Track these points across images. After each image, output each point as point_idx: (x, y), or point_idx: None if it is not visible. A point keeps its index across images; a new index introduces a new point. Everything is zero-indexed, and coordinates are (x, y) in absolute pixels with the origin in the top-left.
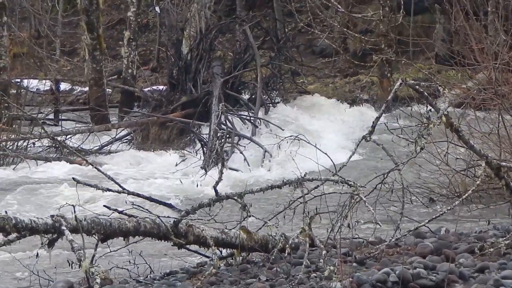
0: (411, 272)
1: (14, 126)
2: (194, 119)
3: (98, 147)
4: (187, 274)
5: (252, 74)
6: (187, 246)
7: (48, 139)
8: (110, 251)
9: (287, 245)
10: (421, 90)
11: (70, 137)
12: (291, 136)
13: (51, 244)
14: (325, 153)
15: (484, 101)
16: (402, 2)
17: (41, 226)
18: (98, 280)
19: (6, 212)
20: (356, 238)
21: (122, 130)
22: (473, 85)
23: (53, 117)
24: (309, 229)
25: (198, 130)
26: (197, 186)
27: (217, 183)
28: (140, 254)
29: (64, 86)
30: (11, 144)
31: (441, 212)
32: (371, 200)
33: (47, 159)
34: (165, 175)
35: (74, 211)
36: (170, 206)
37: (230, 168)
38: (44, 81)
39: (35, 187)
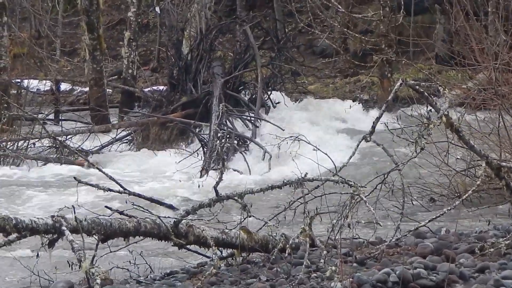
0: (412, 272)
1: (14, 126)
2: (194, 119)
3: (98, 147)
4: (188, 274)
5: (252, 74)
6: (188, 246)
7: (49, 139)
8: (111, 252)
9: (287, 245)
10: (422, 90)
11: (71, 138)
12: (291, 136)
13: (51, 244)
14: (325, 153)
15: (484, 101)
16: (402, 3)
17: (41, 226)
18: (99, 281)
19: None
20: (356, 238)
21: (123, 130)
22: (473, 85)
23: (53, 118)
24: (310, 229)
25: (200, 131)
26: (198, 186)
27: (217, 183)
28: (140, 254)
29: (64, 86)
30: (11, 144)
31: (441, 212)
32: (372, 200)
33: (47, 159)
34: (165, 175)
35: (74, 212)
36: (170, 206)
37: (230, 169)
38: (44, 81)
39: (36, 187)
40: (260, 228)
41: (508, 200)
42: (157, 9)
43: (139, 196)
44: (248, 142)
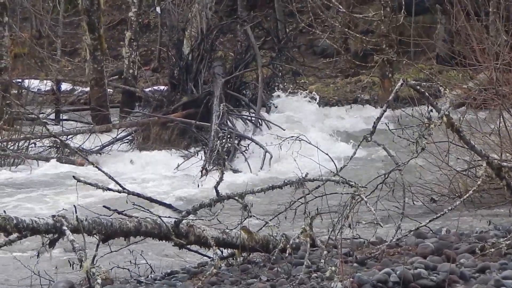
0: (412, 272)
1: (15, 126)
2: (195, 119)
3: (99, 147)
4: (188, 274)
5: (253, 74)
6: (188, 246)
7: (49, 139)
8: (111, 251)
9: (288, 245)
10: (422, 90)
11: (71, 137)
12: (292, 136)
13: (52, 244)
14: (326, 153)
15: (485, 101)
16: (403, 3)
17: (42, 226)
18: (99, 280)
19: (5, 211)
20: (357, 238)
21: (123, 130)
22: (474, 85)
23: (54, 117)
24: (310, 229)
25: (202, 131)
26: (198, 186)
27: (218, 183)
28: (141, 254)
29: (65, 86)
30: (12, 144)
31: (442, 212)
32: (372, 200)
33: (48, 159)
34: (166, 175)
35: (75, 211)
36: (169, 206)
37: (231, 169)
38: (45, 81)
39: (36, 187)
40: (261, 228)
41: (508, 200)
42: (158, 9)
43: (139, 195)
44: (249, 142)
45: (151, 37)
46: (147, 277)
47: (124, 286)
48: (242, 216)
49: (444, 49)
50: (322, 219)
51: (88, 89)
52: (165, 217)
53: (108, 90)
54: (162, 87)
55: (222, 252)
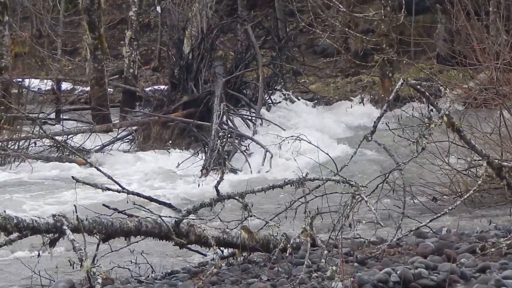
0: (413, 272)
1: (15, 125)
2: (195, 119)
3: (99, 146)
4: (189, 274)
5: (253, 74)
6: (189, 245)
7: (50, 138)
8: (112, 251)
9: (288, 245)
10: (423, 90)
11: (72, 137)
12: (292, 136)
13: (52, 243)
14: (327, 153)
15: (485, 101)
16: (403, 2)
17: (42, 225)
18: (100, 280)
19: (5, 211)
20: (357, 238)
21: (124, 130)
22: (475, 85)
23: (54, 117)
24: (311, 229)
25: (203, 130)
26: (198, 186)
27: (218, 182)
28: (141, 254)
29: (65, 85)
30: (12, 143)
31: (442, 212)
32: (373, 200)
33: (48, 158)
34: (166, 175)
35: (76, 211)
36: (170, 206)
37: (232, 168)
38: (45, 80)
39: (36, 186)
40: (261, 228)
41: (509, 200)
42: (158, 8)
43: (138, 195)
44: (249, 142)
45: (151, 36)
46: (148, 276)
47: (125, 285)
48: (243, 216)
49: (445, 48)
50: (322, 219)
51: (88, 88)
52: (166, 216)
53: (109, 89)
54: (162, 87)
55: (222, 251)
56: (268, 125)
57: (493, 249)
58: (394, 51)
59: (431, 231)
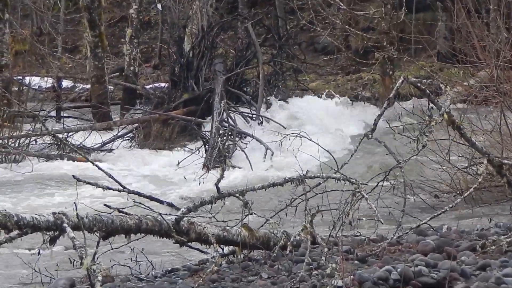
0: (413, 270)
1: (16, 123)
2: (196, 116)
3: (99, 144)
4: (189, 272)
5: (254, 71)
6: (189, 243)
7: (50, 136)
8: (112, 249)
9: (288, 243)
10: (423, 87)
11: (72, 135)
12: (293, 133)
13: (52, 241)
14: (327, 150)
15: (486, 98)
16: (404, 0)
17: (43, 223)
18: (100, 278)
19: (5, 210)
20: (357, 235)
21: (124, 127)
22: (475, 83)
23: (55, 115)
24: (311, 226)
25: (203, 128)
26: (199, 183)
27: (219, 180)
28: (141, 252)
29: (66, 83)
30: (12, 141)
31: (442, 210)
32: (373, 198)
33: (48, 156)
34: (167, 173)
35: (76, 209)
36: (170, 204)
37: (232, 166)
38: (46, 78)
39: (37, 184)
40: (262, 226)
41: (509, 198)
42: (159, 6)
43: (139, 194)
44: (250, 139)
45: (152, 34)
46: (148, 274)
47: (125, 283)
48: (243, 213)
49: (445, 46)
50: (322, 217)
51: (89, 86)
52: (166, 214)
53: (109, 87)
54: (163, 84)
55: (222, 249)
56: (268, 122)
57: (493, 247)
58: (394, 49)
59: (432, 229)
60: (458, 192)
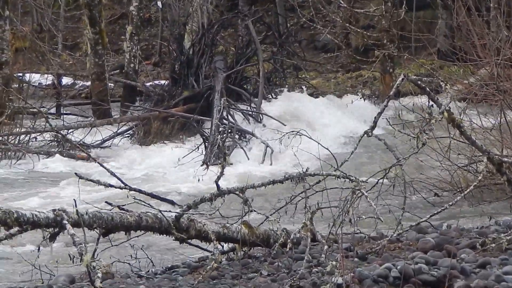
0: (413, 267)
1: (16, 120)
2: (195, 114)
3: (100, 141)
4: (189, 269)
5: (254, 69)
6: (189, 240)
7: (50, 133)
8: (112, 246)
9: (288, 240)
10: (423, 85)
11: (72, 131)
12: (292, 131)
13: (52, 238)
14: (327, 148)
15: (486, 96)
16: None
17: (42, 220)
18: (100, 275)
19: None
20: (357, 233)
21: (124, 124)
22: (475, 80)
23: (55, 111)
24: (311, 224)
25: (202, 125)
26: (198, 181)
27: (218, 177)
28: (141, 249)
29: (66, 80)
30: (13, 138)
31: (442, 208)
32: (373, 195)
33: (49, 153)
34: (167, 170)
35: (76, 205)
36: (171, 202)
37: (232, 163)
38: (46, 75)
39: (37, 181)
40: (262, 223)
41: (509, 196)
42: (159, 3)
43: (140, 191)
44: (250, 137)
45: (152, 31)
46: (148, 271)
47: (125, 280)
48: (243, 211)
49: (445, 44)
50: (322, 214)
51: (89, 83)
52: (166, 211)
53: (109, 84)
54: (163, 82)
55: (222, 246)
56: (269, 120)
57: (493, 245)
58: (395, 47)
59: (432, 227)
60: (458, 190)
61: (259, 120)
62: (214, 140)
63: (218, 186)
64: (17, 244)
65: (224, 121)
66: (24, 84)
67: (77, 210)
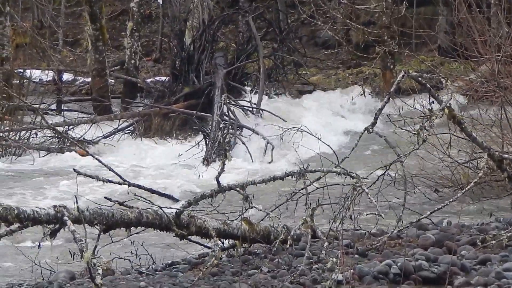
0: (413, 264)
1: (16, 116)
2: (196, 110)
3: (100, 137)
4: (189, 265)
5: (254, 65)
6: (189, 237)
7: (51, 129)
8: (112, 242)
9: (289, 237)
10: (424, 82)
11: (73, 128)
12: (293, 127)
13: (53, 234)
14: (328, 145)
15: (486, 93)
16: None
17: (43, 216)
18: (100, 271)
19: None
20: (358, 229)
21: (125, 121)
22: (476, 77)
23: (55, 108)
24: (311, 220)
25: (204, 122)
26: (198, 177)
27: (219, 174)
28: (142, 245)
29: (66, 76)
30: (13, 134)
31: (443, 204)
32: (374, 192)
33: (49, 149)
34: (167, 166)
35: (76, 202)
36: (171, 197)
37: (232, 159)
38: (46, 71)
39: (38, 177)
40: (262, 219)
41: (510, 192)
42: None
43: (139, 187)
44: (250, 133)
45: (152, 27)
46: (148, 267)
47: (125, 277)
48: (243, 207)
49: (446, 40)
50: (323, 211)
51: (89, 79)
52: (166, 207)
53: (110, 80)
54: (163, 78)
55: (223, 243)
56: (270, 116)
57: (493, 242)
58: (395, 43)
59: (432, 223)
60: (458, 186)
61: (260, 116)
62: (215, 136)
63: (218, 182)
64: (17, 241)
65: (225, 117)
66: (25, 80)
67: (77, 207)
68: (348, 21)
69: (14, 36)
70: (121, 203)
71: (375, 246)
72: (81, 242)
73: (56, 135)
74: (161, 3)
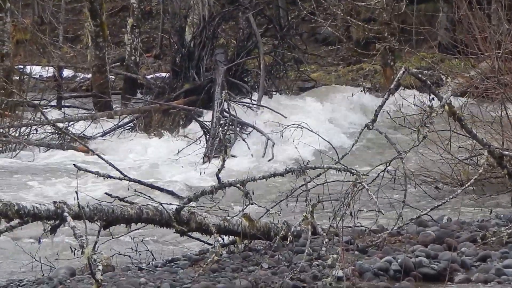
0: (413, 261)
1: (16, 112)
2: (196, 106)
3: (100, 133)
4: (189, 261)
5: (255, 62)
6: (189, 233)
7: (51, 125)
8: (112, 238)
9: (289, 233)
10: (424, 78)
11: (73, 124)
12: (294, 124)
13: (53, 230)
14: (328, 141)
15: (487, 90)
16: None
17: (43, 212)
18: (100, 267)
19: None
20: (358, 226)
21: (125, 117)
22: (476, 74)
23: (55, 104)
24: (312, 217)
25: (203, 118)
26: (200, 173)
27: (219, 170)
28: (142, 241)
29: (67, 72)
30: (13, 130)
31: (443, 201)
32: (374, 189)
33: (49, 145)
34: (167, 162)
35: (77, 198)
36: (171, 193)
37: (232, 156)
38: (47, 67)
39: (38, 173)
40: (262, 216)
41: (510, 189)
42: None
43: (140, 182)
44: (251, 130)
45: (153, 24)
46: (148, 264)
47: (125, 273)
48: (244, 204)
49: (446, 37)
50: (323, 207)
51: (90, 75)
52: (167, 204)
53: (110, 76)
54: (164, 74)
55: (223, 239)
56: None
57: (494, 238)
58: (395, 40)
59: (432, 220)
60: (458, 183)
61: (260, 112)
62: (215, 132)
63: (219, 178)
64: (17, 236)
65: (225, 113)
66: (25, 77)
67: (78, 203)
68: (348, 17)
69: (14, 32)
70: (121, 199)
71: (375, 242)
72: (82, 238)
73: (56, 131)
74: None
